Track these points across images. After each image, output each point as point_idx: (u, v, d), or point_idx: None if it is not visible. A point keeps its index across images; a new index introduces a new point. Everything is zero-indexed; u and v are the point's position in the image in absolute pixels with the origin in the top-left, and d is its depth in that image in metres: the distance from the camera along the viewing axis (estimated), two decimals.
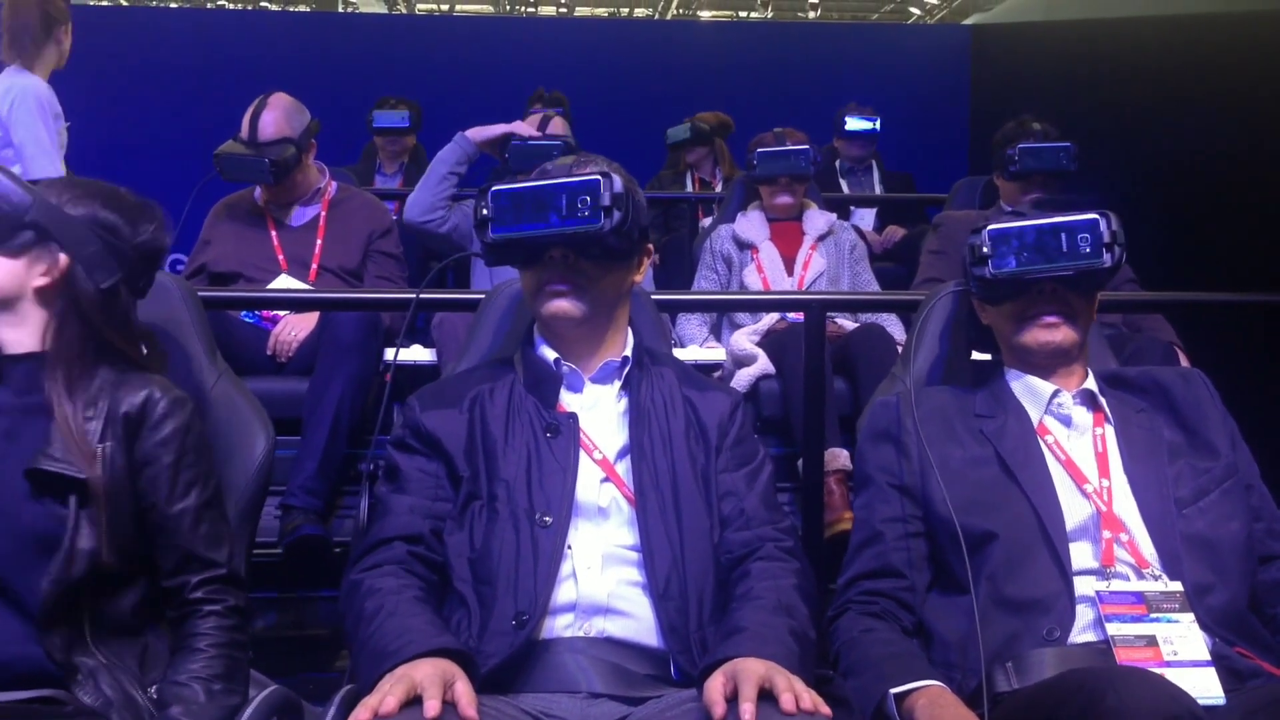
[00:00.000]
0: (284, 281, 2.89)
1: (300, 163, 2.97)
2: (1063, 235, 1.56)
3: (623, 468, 1.52)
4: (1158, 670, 1.38)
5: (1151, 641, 1.41)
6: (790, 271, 3.27)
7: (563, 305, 1.53)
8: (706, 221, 4.13)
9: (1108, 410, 1.63)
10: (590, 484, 1.49)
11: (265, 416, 1.68)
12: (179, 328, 1.70)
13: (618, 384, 1.58)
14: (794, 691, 1.17)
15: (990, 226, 1.60)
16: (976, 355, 1.77)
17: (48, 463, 1.35)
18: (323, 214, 3.04)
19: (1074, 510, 1.53)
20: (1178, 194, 3.95)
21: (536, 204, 1.48)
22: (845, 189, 5.01)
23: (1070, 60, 5.34)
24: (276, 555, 2.47)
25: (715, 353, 3.11)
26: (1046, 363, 1.63)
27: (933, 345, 1.81)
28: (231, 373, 1.73)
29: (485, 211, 1.50)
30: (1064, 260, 1.56)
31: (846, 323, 3.16)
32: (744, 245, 3.34)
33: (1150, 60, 4.53)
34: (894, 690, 1.38)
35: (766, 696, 1.18)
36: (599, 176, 1.48)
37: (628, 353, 1.60)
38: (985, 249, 1.58)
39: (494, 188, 1.51)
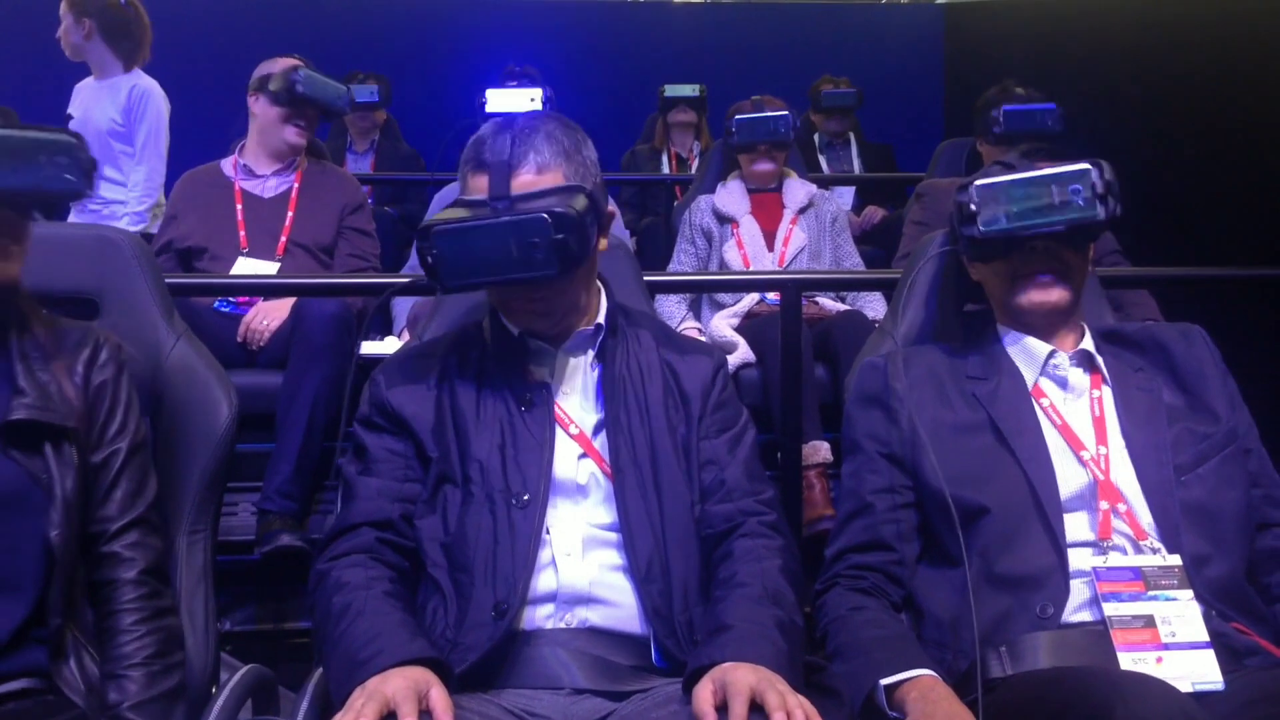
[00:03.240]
0: (244, 264, 2.80)
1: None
2: (1053, 187, 1.48)
3: (599, 442, 1.45)
4: (1155, 653, 1.36)
5: (1149, 622, 1.37)
6: (771, 247, 3.21)
7: (530, 318, 1.46)
8: None
9: (1105, 371, 1.57)
10: (568, 460, 1.42)
11: (228, 382, 1.59)
12: (131, 287, 1.60)
13: (591, 353, 1.51)
14: (786, 709, 1.12)
15: (978, 181, 1.52)
16: (970, 307, 1.70)
17: (31, 412, 1.31)
18: (295, 185, 2.95)
19: (1070, 479, 1.48)
20: (1155, 170, 3.93)
21: (483, 249, 1.36)
22: (824, 165, 4.97)
23: (1042, 36, 5.34)
24: (253, 559, 2.42)
25: (694, 336, 3.05)
26: (1041, 323, 1.57)
27: (922, 298, 1.74)
28: (191, 334, 1.63)
29: (430, 259, 1.37)
30: (1055, 215, 1.48)
31: (828, 302, 3.11)
32: (724, 219, 3.27)
33: (1123, 35, 4.52)
34: (885, 681, 1.33)
35: (757, 710, 1.13)
36: (546, 216, 1.35)
37: (600, 320, 1.51)
38: (973, 206, 1.51)
39: (435, 228, 1.36)
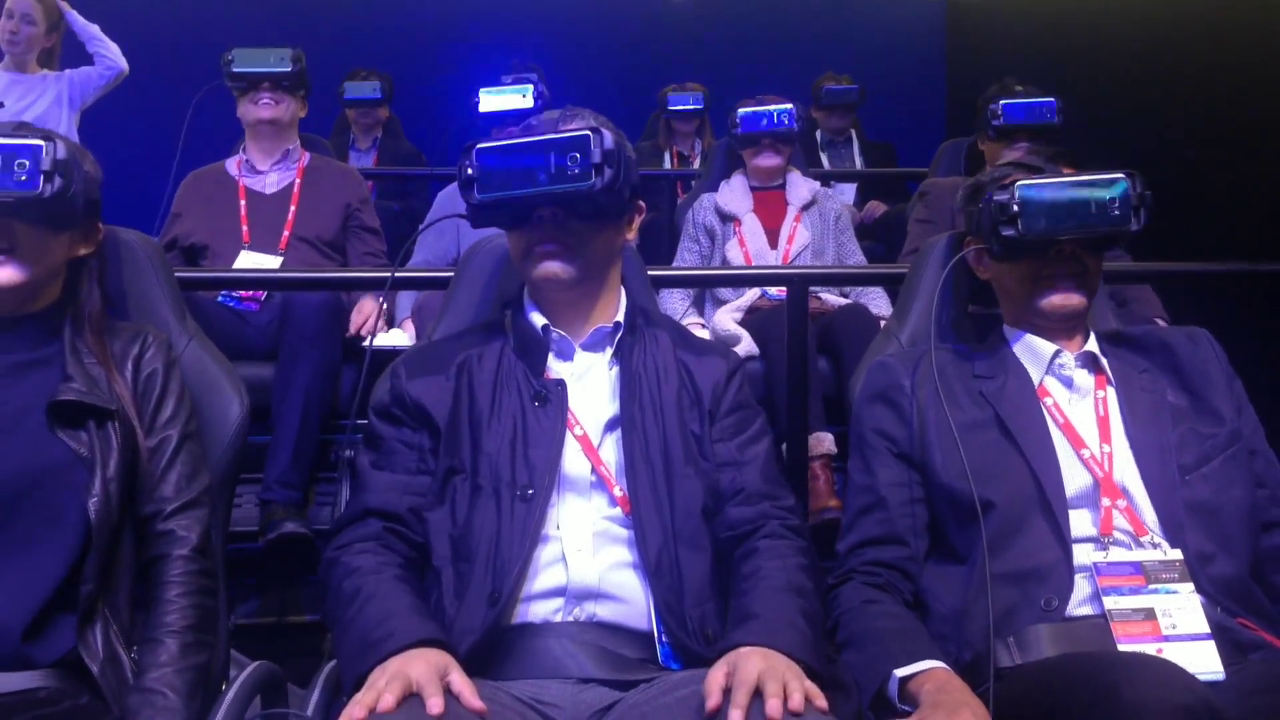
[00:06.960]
0: (246, 258, 2.82)
1: (304, 95, 3.00)
2: (1091, 195, 1.54)
3: (613, 440, 1.47)
4: (1156, 645, 1.37)
5: (1150, 615, 1.39)
6: (774, 245, 3.22)
7: (553, 267, 1.47)
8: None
9: (1110, 372, 1.60)
10: (577, 457, 1.44)
11: (239, 381, 1.63)
12: (146, 288, 1.65)
13: (609, 351, 1.53)
14: (784, 695, 1.14)
15: (1022, 182, 1.55)
16: (974, 308, 1.73)
17: (76, 394, 1.41)
18: (297, 180, 2.98)
19: (1074, 476, 1.50)
20: (1157, 165, 3.92)
21: (523, 161, 1.42)
22: (825, 162, 4.98)
23: (1044, 33, 5.32)
24: (257, 548, 2.44)
25: (698, 330, 3.06)
26: (1055, 325, 1.60)
27: (927, 299, 1.75)
28: (202, 335, 1.67)
29: (470, 171, 1.43)
30: (1093, 222, 1.54)
31: (831, 298, 3.11)
32: (726, 217, 3.28)
33: (1125, 31, 4.51)
34: (899, 672, 1.34)
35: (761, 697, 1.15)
36: (588, 132, 1.41)
37: (620, 318, 1.54)
38: (1015, 207, 1.54)
39: (478, 146, 1.43)
